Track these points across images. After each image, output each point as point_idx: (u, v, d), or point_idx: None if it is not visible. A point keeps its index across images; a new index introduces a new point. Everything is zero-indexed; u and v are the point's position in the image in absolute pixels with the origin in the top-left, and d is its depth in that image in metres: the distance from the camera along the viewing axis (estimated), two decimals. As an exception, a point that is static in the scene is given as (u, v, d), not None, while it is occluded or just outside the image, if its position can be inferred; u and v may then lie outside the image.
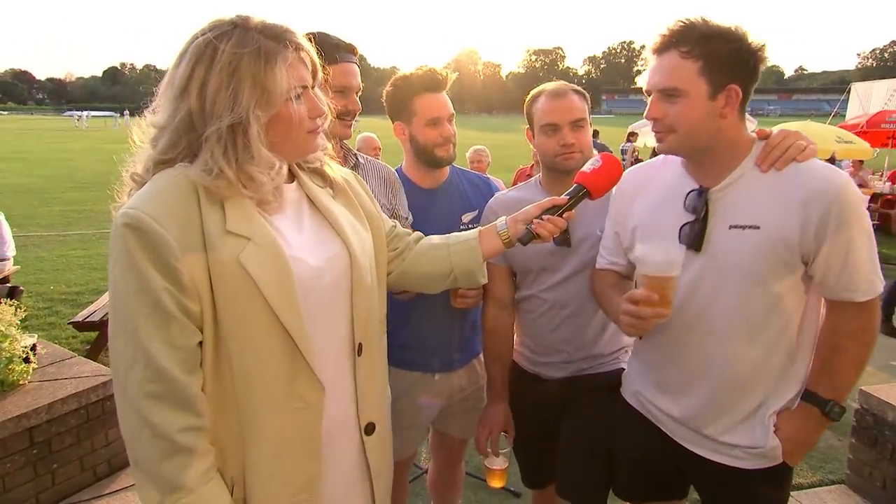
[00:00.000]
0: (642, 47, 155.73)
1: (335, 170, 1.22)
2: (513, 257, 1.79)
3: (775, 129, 1.33)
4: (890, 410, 2.45)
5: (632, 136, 13.98)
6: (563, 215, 1.33)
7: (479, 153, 5.42)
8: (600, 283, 1.58)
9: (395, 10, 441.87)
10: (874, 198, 9.72)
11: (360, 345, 1.14)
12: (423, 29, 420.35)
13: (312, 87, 1.05)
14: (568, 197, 1.35)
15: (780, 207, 1.21)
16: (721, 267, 1.27)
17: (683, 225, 1.31)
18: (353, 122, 1.67)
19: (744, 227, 1.24)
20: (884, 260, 7.03)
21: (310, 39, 1.32)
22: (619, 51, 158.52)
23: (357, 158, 1.78)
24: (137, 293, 0.90)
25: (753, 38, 1.22)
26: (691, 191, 1.32)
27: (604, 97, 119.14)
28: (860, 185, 9.22)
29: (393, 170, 1.83)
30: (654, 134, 1.32)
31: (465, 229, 1.88)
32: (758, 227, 1.23)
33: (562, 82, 1.76)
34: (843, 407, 1.29)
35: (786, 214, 1.21)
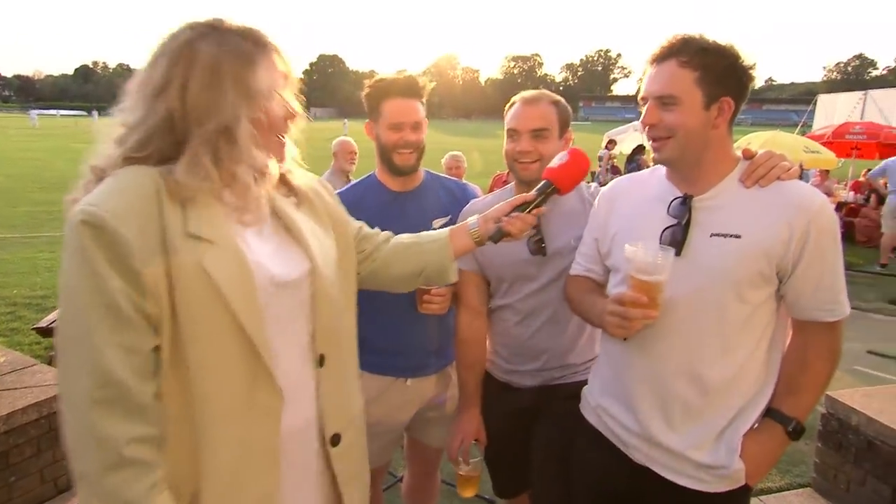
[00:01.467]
0: (618, 56, 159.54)
1: (299, 177, 1.20)
2: (487, 266, 1.78)
3: (747, 138, 1.37)
4: (854, 415, 2.51)
5: (609, 144, 14.16)
6: (533, 212, 1.35)
7: (456, 159, 5.41)
8: (577, 288, 1.58)
9: (376, 13, 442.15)
10: (839, 206, 10.02)
11: (321, 356, 1.12)
12: (402, 33, 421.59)
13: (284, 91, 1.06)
14: (536, 193, 1.36)
15: (763, 220, 1.25)
16: (700, 273, 1.28)
17: (665, 229, 1.32)
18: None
19: (725, 236, 1.27)
20: (848, 267, 7.24)
21: None
22: (596, 59, 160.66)
23: None
24: (92, 294, 0.87)
25: (746, 57, 1.27)
26: (675, 198, 1.35)
27: (581, 104, 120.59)
28: (826, 194, 9.47)
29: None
30: (651, 144, 1.34)
31: None
32: (739, 237, 1.26)
33: (541, 91, 1.76)
34: (804, 427, 1.31)
35: (768, 227, 1.24)
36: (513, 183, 1.85)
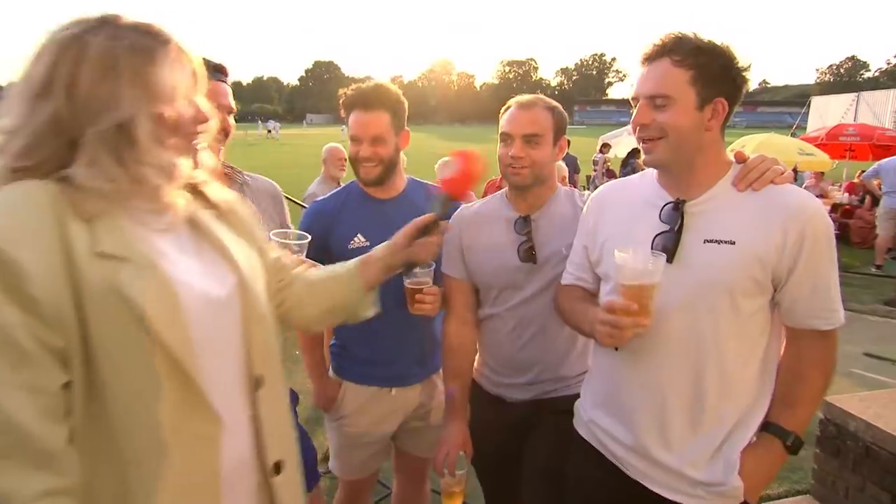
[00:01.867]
0: (613, 59, 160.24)
1: (217, 191, 1.12)
2: (475, 273, 1.75)
3: (741, 141, 1.35)
4: (852, 420, 2.48)
5: (603, 148, 14.18)
6: (439, 231, 1.34)
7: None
8: (567, 297, 1.54)
9: (371, 19, 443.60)
10: (834, 208, 10.04)
11: (258, 377, 1.03)
12: (398, 39, 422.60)
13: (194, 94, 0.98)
14: (436, 211, 1.35)
15: (757, 226, 1.21)
16: (693, 280, 1.25)
17: (657, 235, 1.29)
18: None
19: (719, 242, 1.24)
20: (843, 268, 7.24)
21: None
22: (591, 62, 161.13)
23: (244, 176, 1.79)
24: None
25: (741, 58, 1.24)
26: (667, 203, 1.31)
27: (576, 108, 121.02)
28: (821, 196, 9.54)
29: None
30: (641, 145, 1.30)
31: None
32: (733, 243, 1.22)
33: (537, 96, 1.72)
34: (802, 441, 1.28)
35: (762, 233, 1.21)
36: (503, 190, 1.82)
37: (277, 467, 1.06)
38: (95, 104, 0.85)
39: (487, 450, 1.81)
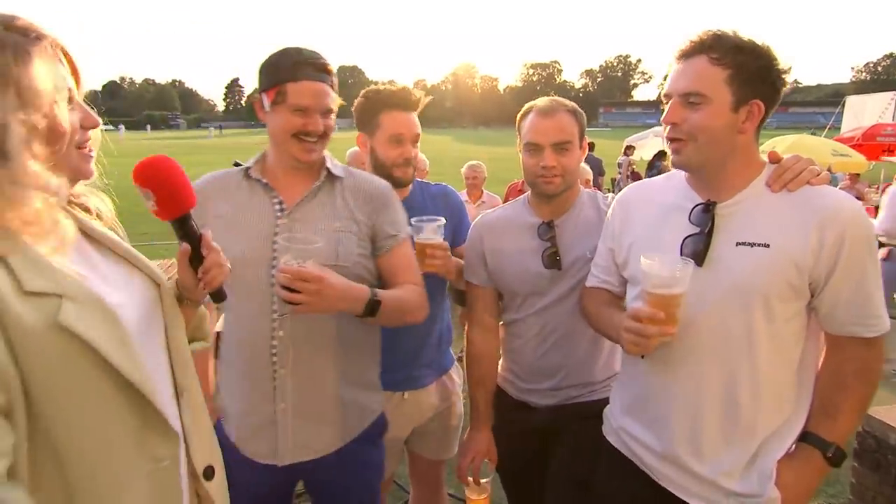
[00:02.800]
0: (639, 61, 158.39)
1: (95, 201, 1.03)
2: (499, 280, 1.74)
3: (771, 142, 1.30)
4: (892, 433, 2.38)
5: (628, 150, 14.01)
6: (202, 259, 1.08)
7: (474, 169, 5.39)
8: (593, 301, 1.51)
9: (394, 24, 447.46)
10: (871, 210, 9.72)
11: (180, 385, 1.02)
12: (421, 43, 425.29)
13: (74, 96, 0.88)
14: (181, 238, 1.08)
15: (793, 228, 1.16)
16: (725, 284, 1.20)
17: (686, 237, 1.24)
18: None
19: (752, 245, 1.19)
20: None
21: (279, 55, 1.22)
22: (615, 64, 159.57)
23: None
24: None
25: (781, 60, 1.19)
26: (697, 205, 1.26)
27: (601, 110, 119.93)
28: (857, 198, 9.21)
29: (385, 184, 1.60)
30: (669, 145, 1.26)
31: None
32: (767, 246, 1.17)
33: (555, 99, 1.68)
34: (844, 452, 1.22)
35: (798, 236, 1.15)
36: (525, 195, 1.79)
37: (208, 472, 1.05)
38: None
39: (512, 456, 1.79)
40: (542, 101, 1.67)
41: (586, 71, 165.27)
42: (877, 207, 9.85)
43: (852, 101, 17.66)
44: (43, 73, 0.81)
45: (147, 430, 0.88)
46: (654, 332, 1.14)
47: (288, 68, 1.37)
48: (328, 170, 1.49)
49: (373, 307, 1.35)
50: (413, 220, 1.63)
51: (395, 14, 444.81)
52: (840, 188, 9.88)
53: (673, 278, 1.12)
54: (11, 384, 0.73)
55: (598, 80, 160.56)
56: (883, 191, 11.05)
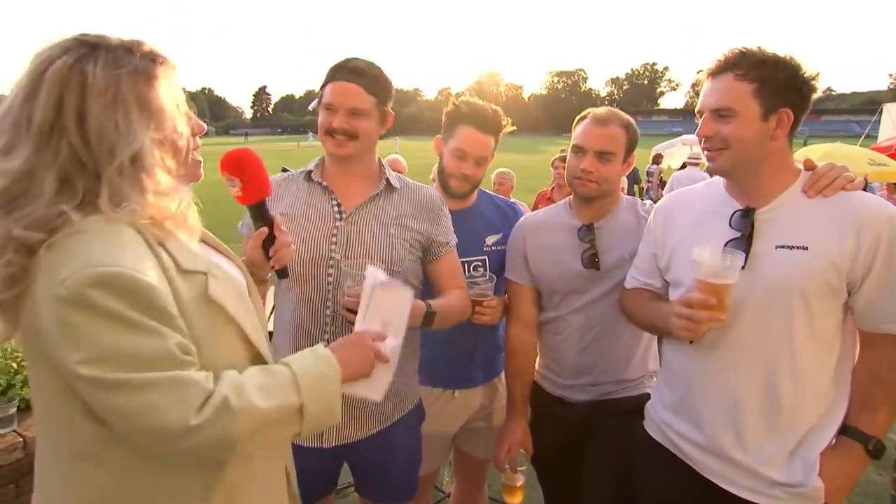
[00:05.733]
0: (666, 69, 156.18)
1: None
2: (540, 279, 1.81)
3: (803, 151, 1.35)
4: (932, 443, 2.34)
5: (657, 158, 13.88)
6: (274, 241, 1.24)
7: (502, 176, 5.45)
8: (635, 300, 1.58)
9: (418, 31, 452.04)
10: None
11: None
12: (446, 50, 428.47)
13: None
14: (258, 224, 1.24)
15: (830, 231, 1.23)
16: (766, 286, 1.26)
17: (727, 242, 1.31)
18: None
19: (791, 248, 1.25)
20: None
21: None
22: (641, 72, 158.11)
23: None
24: (147, 349, 0.81)
25: (807, 68, 1.26)
26: (736, 211, 1.33)
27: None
28: None
29: (436, 195, 1.70)
30: (705, 154, 1.35)
31: (490, 251, 1.91)
32: (806, 248, 1.24)
33: (613, 110, 1.73)
34: (884, 445, 1.26)
35: (835, 238, 1.22)
36: (567, 199, 1.86)
37: None
38: (109, 138, 0.84)
39: (549, 450, 1.85)
40: (600, 110, 1.74)
41: (612, 79, 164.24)
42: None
43: (890, 109, 17.17)
44: (167, 93, 0.91)
45: None
46: (704, 318, 1.21)
47: (330, 73, 1.52)
48: (387, 179, 1.60)
49: (430, 318, 1.49)
50: (467, 278, 1.76)
51: (419, 22, 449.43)
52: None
53: (724, 266, 1.19)
54: (186, 339, 0.87)
55: (624, 87, 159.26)
56: (922, 201, 10.77)
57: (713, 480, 1.36)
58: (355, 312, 1.33)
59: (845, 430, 1.28)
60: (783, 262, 1.25)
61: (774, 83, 1.25)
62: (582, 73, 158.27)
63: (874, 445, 1.25)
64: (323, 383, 0.97)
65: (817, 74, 1.28)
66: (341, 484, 1.96)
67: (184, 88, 0.99)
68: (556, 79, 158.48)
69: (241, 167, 1.18)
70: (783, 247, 1.26)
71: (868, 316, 1.25)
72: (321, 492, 1.67)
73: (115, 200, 0.85)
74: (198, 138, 1.02)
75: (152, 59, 0.91)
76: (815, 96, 1.30)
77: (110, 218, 0.85)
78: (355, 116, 1.50)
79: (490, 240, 1.94)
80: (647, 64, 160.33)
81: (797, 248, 1.24)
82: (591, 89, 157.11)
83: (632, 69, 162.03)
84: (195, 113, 1.01)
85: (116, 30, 0.92)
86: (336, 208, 1.55)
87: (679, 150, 15.19)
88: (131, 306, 0.80)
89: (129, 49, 0.89)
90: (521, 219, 1.91)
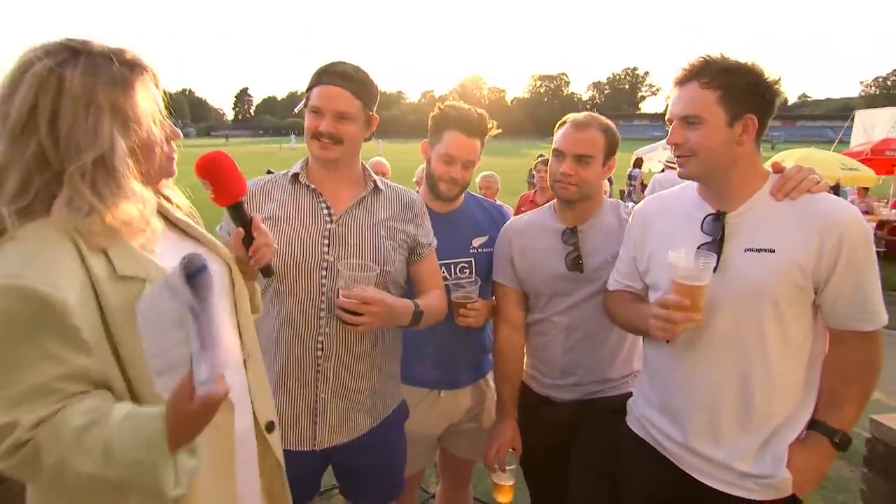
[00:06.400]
0: (646, 73, 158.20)
1: (178, 197, 1.17)
2: (526, 281, 1.83)
3: (780, 156, 1.39)
4: (901, 440, 2.42)
5: (638, 162, 14.06)
6: (257, 237, 1.21)
7: (488, 179, 5.46)
8: (618, 301, 1.61)
9: (402, 34, 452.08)
10: (881, 225, 9.70)
11: (247, 349, 1.16)
12: (429, 54, 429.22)
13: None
14: (237, 224, 1.22)
15: (796, 233, 1.27)
16: (737, 289, 1.30)
17: (699, 246, 1.35)
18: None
19: (759, 251, 1.29)
20: (891, 287, 6.90)
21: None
22: (623, 77, 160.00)
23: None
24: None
25: (769, 73, 1.30)
26: (708, 215, 1.37)
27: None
28: (866, 213, 9.22)
29: (417, 197, 1.73)
30: (676, 160, 1.39)
31: (476, 253, 1.93)
32: (773, 251, 1.28)
33: (592, 115, 1.77)
34: (850, 437, 1.31)
35: (801, 240, 1.26)
36: (552, 202, 1.89)
37: (269, 426, 1.20)
38: (76, 139, 0.86)
39: (536, 448, 1.88)
40: (580, 115, 1.78)
41: (594, 83, 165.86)
42: (883, 222, 9.87)
43: (862, 116, 17.64)
44: (143, 101, 0.93)
45: None
46: (679, 318, 1.24)
47: (316, 76, 1.53)
48: (374, 182, 1.61)
49: (417, 317, 1.53)
50: (452, 280, 1.80)
51: (403, 25, 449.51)
52: (850, 202, 9.86)
53: (698, 269, 1.22)
54: (105, 355, 0.87)
55: (606, 92, 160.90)
56: (893, 205, 11.07)
57: (691, 474, 1.40)
58: (353, 313, 1.36)
59: (813, 425, 1.33)
60: (752, 264, 1.29)
61: (738, 90, 1.29)
62: (564, 77, 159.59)
63: (840, 438, 1.30)
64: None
65: (779, 79, 1.32)
66: (325, 486, 1.95)
67: (164, 91, 1.01)
68: (538, 83, 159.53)
69: (210, 169, 1.18)
70: (752, 250, 1.30)
71: (834, 314, 1.30)
72: (306, 496, 1.66)
73: (71, 202, 0.86)
74: (173, 143, 1.03)
75: (132, 67, 0.94)
76: (778, 101, 1.34)
77: (56, 221, 0.86)
78: (342, 120, 1.51)
79: (476, 242, 1.96)
80: (629, 69, 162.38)
81: (765, 250, 1.29)
82: (573, 93, 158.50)
83: (613, 74, 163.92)
84: (175, 115, 1.02)
85: (96, 30, 0.96)
86: (326, 211, 1.55)
87: (660, 153, 15.40)
88: (19, 327, 0.80)
89: (110, 57, 0.91)
90: (508, 222, 1.94)
